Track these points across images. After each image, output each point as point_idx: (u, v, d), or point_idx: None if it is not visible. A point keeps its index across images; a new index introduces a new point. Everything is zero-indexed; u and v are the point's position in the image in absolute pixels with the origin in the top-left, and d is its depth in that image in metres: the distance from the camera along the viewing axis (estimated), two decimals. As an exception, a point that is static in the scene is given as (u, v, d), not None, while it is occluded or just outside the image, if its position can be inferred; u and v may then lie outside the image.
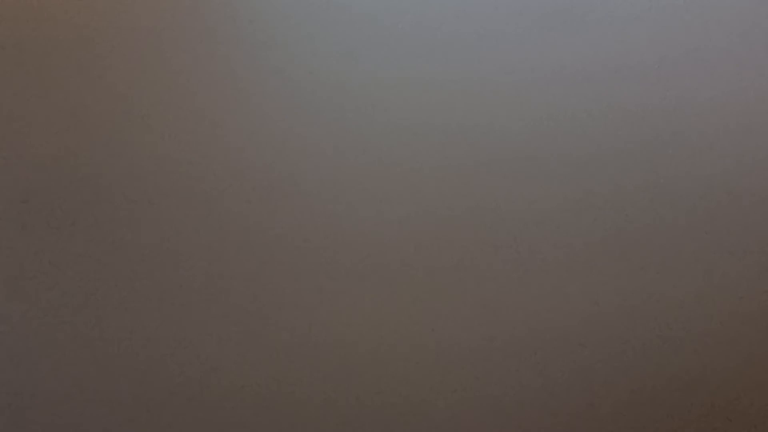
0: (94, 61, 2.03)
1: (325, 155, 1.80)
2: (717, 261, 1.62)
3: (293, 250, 1.63)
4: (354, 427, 1.40)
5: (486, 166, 1.78)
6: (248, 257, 1.61)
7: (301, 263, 1.61)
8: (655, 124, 1.88)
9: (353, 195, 1.73)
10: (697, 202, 1.72)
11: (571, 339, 1.50)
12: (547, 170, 1.78)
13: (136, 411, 1.41)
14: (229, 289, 1.57)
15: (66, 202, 1.70)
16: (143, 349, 1.49)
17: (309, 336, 1.50)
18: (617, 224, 1.68)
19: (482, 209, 1.70)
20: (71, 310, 1.53)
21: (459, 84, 1.97)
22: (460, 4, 2.19)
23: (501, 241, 1.64)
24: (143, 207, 1.70)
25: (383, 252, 1.63)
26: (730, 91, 1.96)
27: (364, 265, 1.60)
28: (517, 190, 1.73)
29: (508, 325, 1.52)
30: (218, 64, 2.03)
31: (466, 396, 1.43)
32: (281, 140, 1.84)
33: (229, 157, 1.80)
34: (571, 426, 1.40)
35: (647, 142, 1.84)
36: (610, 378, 1.45)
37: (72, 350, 1.49)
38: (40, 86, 1.96)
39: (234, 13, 2.19)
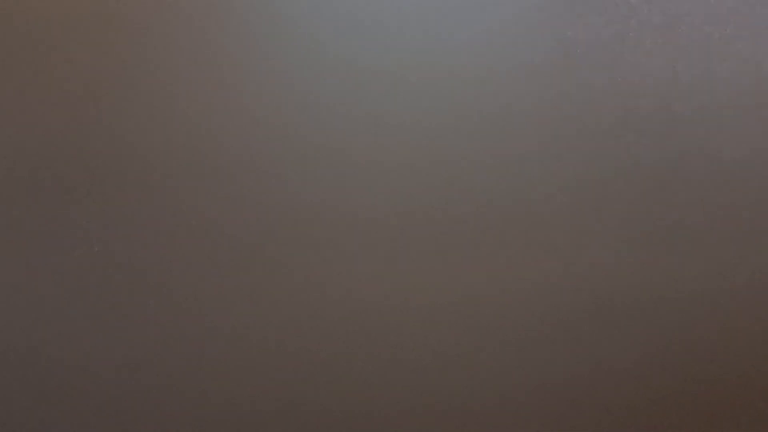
0: (107, 36, 2.04)
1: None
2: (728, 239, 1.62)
3: (304, 223, 1.64)
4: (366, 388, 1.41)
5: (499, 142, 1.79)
6: (254, 231, 1.62)
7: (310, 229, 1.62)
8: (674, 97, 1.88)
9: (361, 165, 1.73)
10: (713, 179, 1.72)
11: (580, 306, 1.50)
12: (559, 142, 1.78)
13: (147, 387, 1.42)
14: (242, 262, 1.58)
15: (78, 174, 1.71)
16: (154, 318, 1.50)
17: (323, 299, 1.51)
18: (632, 196, 1.68)
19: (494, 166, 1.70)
20: (84, 283, 1.55)
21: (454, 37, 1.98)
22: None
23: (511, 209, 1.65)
24: (157, 181, 1.71)
25: (384, 223, 1.63)
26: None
27: (361, 243, 1.61)
28: (525, 157, 1.73)
29: (518, 284, 1.53)
30: (242, 42, 2.04)
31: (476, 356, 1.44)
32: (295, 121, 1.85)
33: (243, 137, 1.81)
34: (579, 386, 1.41)
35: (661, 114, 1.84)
36: (616, 345, 1.46)
37: (84, 322, 1.50)
38: (53, 59, 1.97)
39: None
